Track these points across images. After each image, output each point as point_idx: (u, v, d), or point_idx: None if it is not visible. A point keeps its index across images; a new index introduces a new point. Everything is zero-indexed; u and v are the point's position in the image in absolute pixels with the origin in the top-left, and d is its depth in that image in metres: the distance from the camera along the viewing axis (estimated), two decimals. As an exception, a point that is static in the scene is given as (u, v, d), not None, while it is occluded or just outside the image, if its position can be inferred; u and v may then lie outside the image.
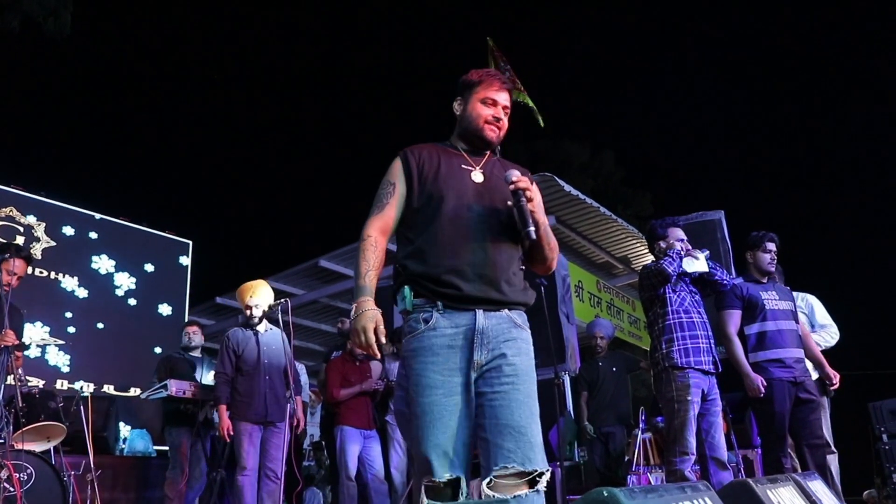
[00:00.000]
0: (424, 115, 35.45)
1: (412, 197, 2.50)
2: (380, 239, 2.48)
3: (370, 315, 2.32)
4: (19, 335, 4.95)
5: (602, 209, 8.74)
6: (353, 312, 2.36)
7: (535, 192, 2.44)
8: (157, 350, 9.82)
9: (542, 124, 9.57)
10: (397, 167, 2.56)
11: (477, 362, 2.29)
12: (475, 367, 2.29)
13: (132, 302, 10.36)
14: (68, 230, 9.92)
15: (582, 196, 8.37)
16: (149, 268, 10.70)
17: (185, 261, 11.26)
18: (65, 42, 12.55)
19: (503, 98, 2.61)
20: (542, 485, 2.16)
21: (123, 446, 8.06)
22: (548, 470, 2.18)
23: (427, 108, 36.86)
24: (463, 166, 2.55)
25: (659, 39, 38.69)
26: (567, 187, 8.14)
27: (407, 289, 2.40)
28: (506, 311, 2.37)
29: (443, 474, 2.19)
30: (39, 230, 9.57)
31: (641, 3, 37.75)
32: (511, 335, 2.34)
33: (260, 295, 5.59)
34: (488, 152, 2.66)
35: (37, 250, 9.45)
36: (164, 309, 10.75)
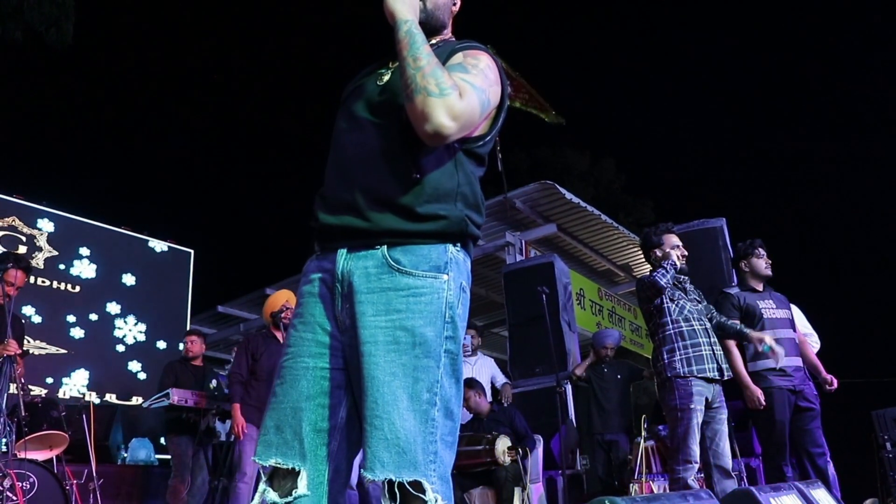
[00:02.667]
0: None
1: None
2: None
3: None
4: (21, 344, 4.96)
5: (603, 217, 8.76)
6: None
7: None
8: (160, 359, 9.83)
9: (563, 121, 9.54)
10: None
11: (338, 319, 1.74)
12: (339, 325, 1.73)
13: (134, 311, 10.36)
14: (71, 239, 9.93)
15: (583, 204, 8.40)
16: (150, 277, 10.70)
17: (187, 270, 11.27)
18: (67, 52, 12.57)
19: None
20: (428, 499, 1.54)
21: (125, 455, 8.06)
22: (408, 481, 1.54)
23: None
24: (378, 70, 1.91)
25: (660, 46, 38.78)
26: (568, 195, 8.17)
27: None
28: (383, 248, 1.70)
29: (267, 457, 1.66)
30: (41, 240, 9.58)
31: (643, 10, 37.86)
32: (380, 283, 1.67)
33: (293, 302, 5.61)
34: (434, 39, 1.96)
35: (39, 260, 9.46)
36: (166, 318, 10.75)
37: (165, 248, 11.09)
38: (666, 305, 4.35)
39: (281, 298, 5.59)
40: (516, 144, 20.98)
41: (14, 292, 4.93)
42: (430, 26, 1.89)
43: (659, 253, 4.51)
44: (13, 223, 9.34)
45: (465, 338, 6.70)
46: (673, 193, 29.02)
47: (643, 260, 9.90)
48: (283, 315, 5.45)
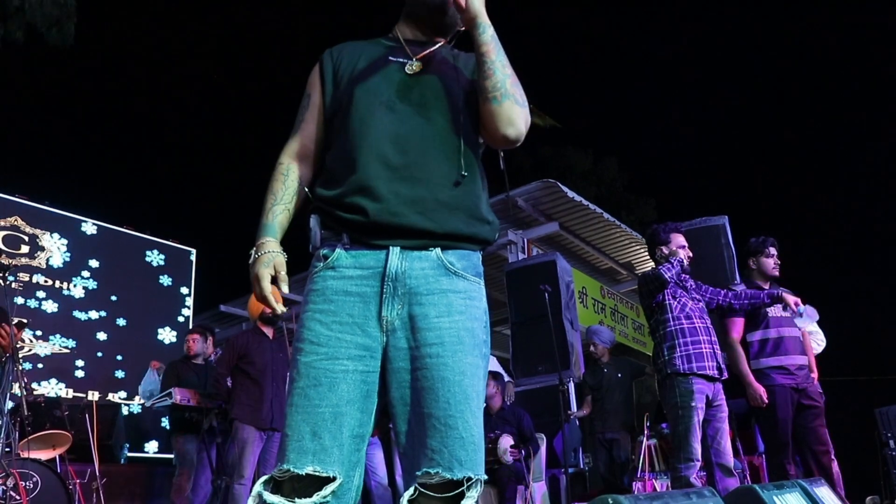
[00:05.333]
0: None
1: (325, 106, 1.91)
2: (293, 165, 1.90)
3: (267, 259, 1.75)
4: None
5: (606, 215, 8.76)
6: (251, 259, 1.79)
7: None
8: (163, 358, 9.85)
9: (554, 124, 9.58)
10: (314, 73, 1.97)
11: (386, 320, 1.67)
12: (384, 327, 1.67)
13: (136, 310, 10.37)
14: (73, 239, 9.94)
15: (585, 202, 8.40)
16: (153, 276, 10.71)
17: (190, 269, 11.28)
18: (69, 52, 12.57)
19: None
20: (472, 496, 1.56)
21: (129, 454, 8.07)
22: (482, 478, 1.59)
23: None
24: (392, 58, 1.88)
25: (662, 45, 38.75)
26: (570, 194, 8.17)
27: (313, 219, 1.81)
28: (437, 249, 1.69)
29: (303, 465, 1.56)
30: (43, 239, 9.59)
31: (645, 7, 37.81)
32: (440, 285, 1.67)
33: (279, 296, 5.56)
34: (443, 40, 1.97)
35: (41, 259, 9.47)
36: (169, 317, 10.76)
37: (168, 247, 11.09)
38: (668, 302, 4.35)
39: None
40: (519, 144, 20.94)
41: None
42: (447, 25, 1.95)
43: (665, 251, 4.51)
44: (16, 223, 9.34)
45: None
46: (675, 192, 28.98)
47: (646, 258, 9.96)
48: (269, 312, 5.42)
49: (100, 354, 9.73)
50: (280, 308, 1.74)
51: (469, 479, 1.55)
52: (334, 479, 1.57)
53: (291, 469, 1.56)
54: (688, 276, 4.53)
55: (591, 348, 7.32)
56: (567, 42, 37.77)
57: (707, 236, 6.80)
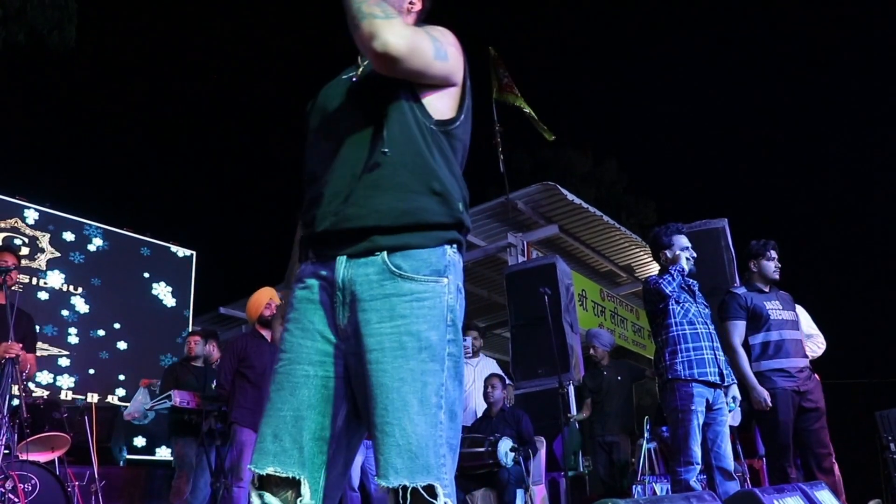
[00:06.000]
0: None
1: None
2: None
3: (281, 308, 1.90)
4: (32, 341, 4.92)
5: (605, 218, 8.76)
6: None
7: None
8: (162, 361, 9.83)
9: (550, 138, 9.64)
10: None
11: (340, 328, 1.71)
12: (340, 334, 1.71)
13: (136, 313, 10.36)
14: (73, 241, 9.93)
15: (585, 205, 8.39)
16: (153, 278, 10.70)
17: (189, 271, 11.27)
18: (69, 55, 12.58)
19: None
20: None
21: (128, 457, 8.06)
22: (424, 485, 1.54)
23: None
24: (344, 76, 1.95)
25: (662, 47, 38.76)
26: (570, 196, 8.16)
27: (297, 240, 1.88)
28: (383, 254, 1.67)
29: (264, 465, 1.63)
30: (44, 241, 9.58)
31: (644, 10, 37.85)
32: (383, 290, 1.65)
33: (277, 298, 5.52)
34: None
35: (41, 261, 9.47)
36: (168, 320, 10.74)
37: (167, 249, 11.09)
38: (671, 307, 4.32)
39: (264, 297, 5.50)
40: (518, 145, 20.98)
41: (14, 278, 4.80)
42: None
43: (669, 254, 4.48)
44: (15, 224, 9.34)
45: (466, 339, 6.74)
46: (675, 194, 29.00)
47: (646, 261, 9.97)
48: (268, 314, 5.41)
49: (99, 356, 9.72)
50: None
51: (405, 487, 1.53)
52: (297, 480, 1.62)
53: (253, 469, 1.63)
54: (694, 281, 4.51)
55: (591, 351, 7.32)
56: (567, 44, 37.78)
57: (707, 239, 6.79)
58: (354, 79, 1.88)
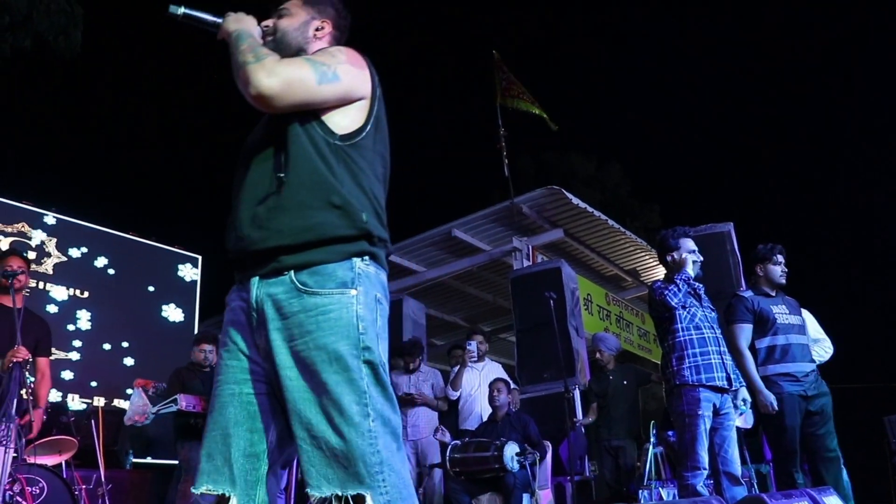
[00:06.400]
0: (429, 121, 35.55)
1: None
2: None
3: None
4: (46, 346, 4.91)
5: (610, 222, 8.75)
6: None
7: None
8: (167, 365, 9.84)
9: (554, 127, 9.63)
10: None
11: (259, 347, 1.77)
12: (261, 353, 1.78)
13: (142, 317, 10.37)
14: (78, 245, 9.95)
15: (590, 209, 8.38)
16: (158, 282, 10.71)
17: (195, 275, 11.28)
18: (75, 60, 12.63)
19: (276, 11, 2.06)
20: None
21: (134, 460, 8.05)
22: (363, 493, 1.58)
23: (434, 115, 36.96)
24: None
25: (665, 49, 38.75)
26: (575, 200, 8.16)
27: None
28: (290, 272, 1.72)
29: (199, 485, 1.70)
30: (50, 246, 9.61)
31: (648, 13, 37.85)
32: (291, 308, 1.70)
33: None
34: None
35: (48, 266, 9.49)
36: (175, 324, 10.76)
37: (173, 253, 11.10)
38: (677, 312, 4.30)
39: None
40: (522, 149, 20.97)
41: (22, 282, 4.75)
42: (282, 52, 1.92)
43: (676, 256, 4.45)
44: (22, 229, 9.37)
45: (471, 343, 6.73)
46: (680, 198, 28.95)
47: (652, 264, 9.96)
48: None
49: (105, 360, 9.73)
50: None
51: (338, 496, 1.57)
52: (228, 497, 1.68)
53: (192, 490, 1.71)
54: (701, 285, 4.48)
55: (597, 355, 7.30)
56: (570, 47, 37.77)
57: (712, 243, 6.79)
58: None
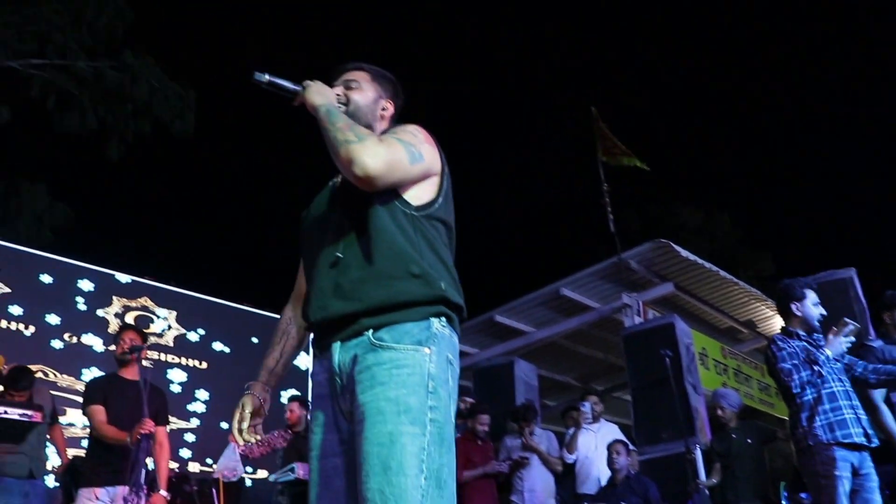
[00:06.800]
0: (531, 181, 35.67)
1: None
2: (289, 308, 2.20)
3: (244, 400, 2.06)
4: (164, 416, 5.09)
5: (721, 273, 8.56)
6: None
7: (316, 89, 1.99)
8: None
9: (646, 168, 9.58)
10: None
11: (345, 412, 1.80)
12: (347, 418, 1.80)
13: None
14: (197, 319, 10.35)
15: (700, 261, 8.23)
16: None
17: (307, 364, 11.53)
18: (189, 141, 13.40)
19: (341, 81, 2.13)
20: None
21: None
22: None
23: (535, 174, 37.07)
24: (331, 182, 2.11)
25: (769, 95, 37.90)
26: (684, 253, 8.02)
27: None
28: (369, 332, 1.77)
29: None
30: (171, 319, 10.04)
31: (744, 57, 37.22)
32: (365, 363, 1.74)
33: None
34: None
35: (168, 338, 9.90)
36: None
37: (275, 320, 11.37)
38: (797, 374, 4.06)
39: None
40: (626, 203, 20.76)
41: (144, 356, 4.99)
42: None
43: (796, 311, 4.23)
44: (145, 303, 9.83)
45: (585, 405, 6.61)
46: (794, 243, 27.94)
47: (768, 315, 9.60)
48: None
49: (223, 428, 10.00)
50: (241, 440, 2.01)
51: None
52: None
53: None
54: (821, 336, 4.25)
55: (718, 412, 7.01)
56: (672, 97, 37.47)
57: (834, 290, 6.51)
58: (336, 185, 2.03)
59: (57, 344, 8.91)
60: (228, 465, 7.09)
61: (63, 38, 12.09)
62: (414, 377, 1.70)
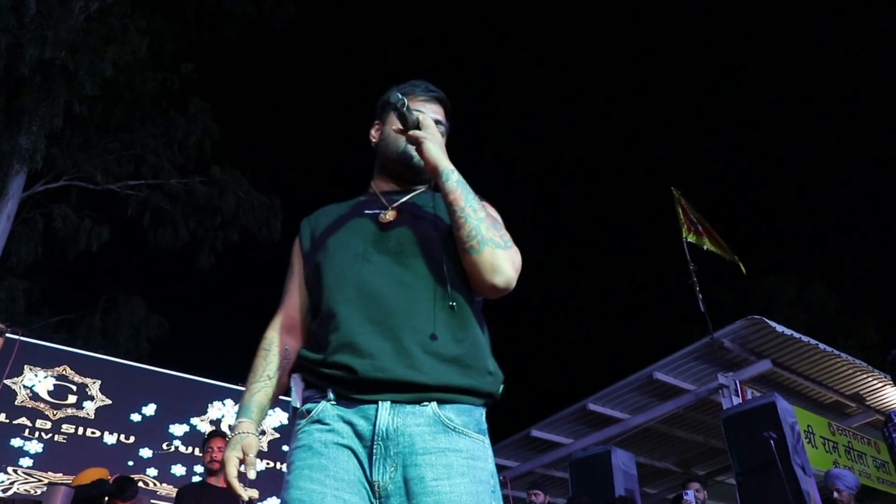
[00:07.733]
0: (616, 265, 35.33)
1: (306, 273, 1.85)
2: (276, 339, 1.81)
3: (236, 441, 1.65)
4: None
5: (821, 345, 8.27)
6: None
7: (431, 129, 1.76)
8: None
9: (744, 271, 9.47)
10: (295, 242, 1.95)
11: (378, 485, 1.52)
12: (377, 492, 1.52)
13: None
14: (277, 416, 10.50)
15: (796, 335, 7.99)
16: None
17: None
18: (275, 248, 13.85)
19: (431, 110, 1.91)
20: None
21: None
22: None
23: (620, 258, 36.76)
24: (367, 211, 1.84)
25: (846, 154, 37.02)
26: (779, 328, 7.81)
27: (294, 378, 1.72)
28: (433, 404, 1.56)
29: None
30: (265, 423, 10.20)
31: (815, 123, 36.60)
32: (437, 444, 1.53)
33: None
34: (423, 187, 1.93)
35: (262, 443, 10.04)
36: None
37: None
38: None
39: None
40: (716, 280, 20.35)
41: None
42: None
43: None
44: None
45: (688, 493, 6.40)
46: (896, 308, 26.73)
47: (876, 386, 9.15)
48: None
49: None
50: (245, 495, 1.62)
51: None
52: None
53: None
54: None
55: (835, 495, 6.65)
56: (745, 172, 37.02)
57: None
58: (382, 220, 1.79)
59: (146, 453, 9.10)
60: None
61: (156, 158, 12.81)
62: (486, 472, 1.56)
